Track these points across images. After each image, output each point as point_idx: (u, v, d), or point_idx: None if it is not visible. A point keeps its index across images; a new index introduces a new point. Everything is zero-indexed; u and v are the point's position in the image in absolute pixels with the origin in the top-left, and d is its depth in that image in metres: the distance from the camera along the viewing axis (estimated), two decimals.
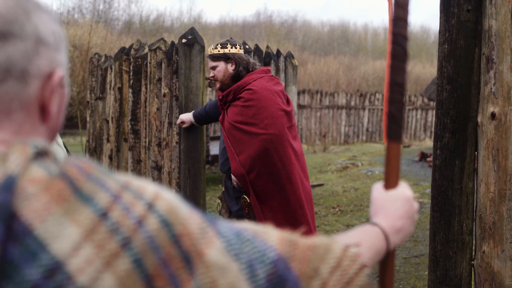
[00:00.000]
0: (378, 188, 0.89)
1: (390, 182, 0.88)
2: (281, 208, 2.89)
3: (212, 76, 3.02)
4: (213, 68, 3.02)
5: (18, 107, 0.65)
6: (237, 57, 3.03)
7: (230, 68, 3.01)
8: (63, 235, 0.56)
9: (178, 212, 0.63)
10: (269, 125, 2.85)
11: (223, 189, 3.23)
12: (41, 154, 0.61)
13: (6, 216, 0.54)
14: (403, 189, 0.88)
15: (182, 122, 3.65)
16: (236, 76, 3.01)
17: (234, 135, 2.92)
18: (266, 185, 2.87)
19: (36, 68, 0.66)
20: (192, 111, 3.63)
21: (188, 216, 0.64)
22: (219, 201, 3.32)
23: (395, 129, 0.86)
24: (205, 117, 3.50)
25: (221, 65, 3.00)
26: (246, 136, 2.88)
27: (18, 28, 0.64)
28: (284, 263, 0.68)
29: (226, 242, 0.65)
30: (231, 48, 3.02)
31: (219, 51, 3.02)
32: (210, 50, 3.05)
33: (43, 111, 0.68)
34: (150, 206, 0.61)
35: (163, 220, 0.61)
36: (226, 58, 3.01)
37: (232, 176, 2.91)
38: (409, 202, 0.88)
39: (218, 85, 3.02)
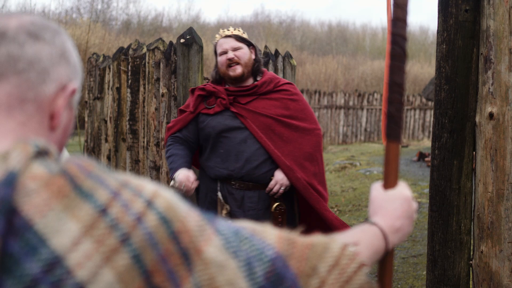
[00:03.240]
0: (377, 188, 0.90)
1: (389, 182, 0.88)
2: (326, 210, 2.54)
3: (231, 58, 2.50)
4: (236, 49, 2.52)
5: (32, 99, 0.69)
6: (257, 48, 2.67)
7: (252, 56, 2.59)
8: (62, 230, 0.57)
9: (177, 209, 0.64)
10: (317, 121, 2.64)
11: (227, 207, 2.53)
12: (42, 153, 0.63)
13: (7, 211, 0.55)
14: (402, 189, 0.89)
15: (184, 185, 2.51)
16: (255, 68, 2.59)
17: (280, 133, 2.51)
18: (319, 185, 2.56)
19: (55, 73, 0.72)
20: (180, 169, 2.50)
21: (186, 213, 0.65)
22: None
23: (394, 129, 0.86)
24: (189, 159, 2.62)
25: (246, 48, 2.56)
26: (296, 133, 2.53)
27: (49, 36, 0.73)
28: (282, 261, 0.69)
29: (224, 239, 0.66)
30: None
31: (242, 34, 2.59)
32: (229, 30, 2.59)
33: (52, 118, 0.72)
34: (149, 203, 0.62)
35: (162, 217, 0.62)
36: (249, 43, 2.60)
37: (278, 183, 2.46)
38: (408, 202, 0.88)
39: (239, 70, 2.50)
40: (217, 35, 2.62)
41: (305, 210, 2.68)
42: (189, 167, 2.58)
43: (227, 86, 2.59)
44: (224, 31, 2.58)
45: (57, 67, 0.72)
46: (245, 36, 2.59)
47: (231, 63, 2.50)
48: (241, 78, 2.53)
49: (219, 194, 2.56)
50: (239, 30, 2.60)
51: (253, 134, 2.48)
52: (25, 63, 0.69)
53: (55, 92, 0.72)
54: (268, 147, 2.46)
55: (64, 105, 0.73)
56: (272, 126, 2.50)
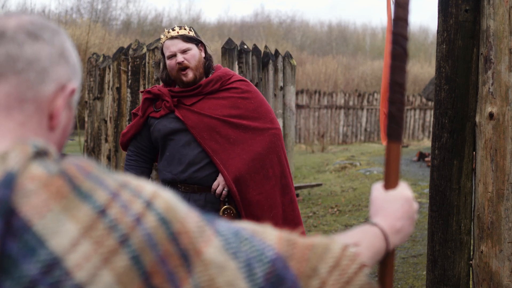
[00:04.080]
0: (378, 188, 0.89)
1: (390, 182, 0.88)
2: (289, 212, 2.46)
3: (181, 63, 2.36)
4: (184, 51, 2.37)
5: (31, 99, 0.69)
6: (206, 45, 2.50)
7: (201, 54, 2.44)
8: (61, 231, 0.56)
9: (176, 210, 0.64)
10: (274, 120, 2.50)
11: None
12: (41, 154, 0.63)
13: (5, 211, 0.55)
14: (403, 189, 0.88)
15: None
16: (206, 67, 2.45)
17: (227, 134, 2.38)
18: (273, 189, 2.42)
19: (55, 73, 0.71)
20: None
21: (186, 214, 0.65)
22: None
23: (395, 129, 0.86)
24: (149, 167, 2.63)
25: (194, 48, 2.40)
26: (246, 133, 2.40)
27: (48, 36, 0.72)
28: (283, 262, 0.68)
29: (224, 240, 0.66)
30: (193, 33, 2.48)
31: (189, 32, 2.42)
32: (175, 30, 2.42)
33: (51, 118, 0.71)
34: (149, 204, 0.62)
35: (161, 218, 0.62)
36: (197, 42, 2.43)
37: (220, 184, 2.36)
38: (409, 203, 0.88)
39: (191, 74, 2.38)
40: (162, 36, 2.47)
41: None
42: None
43: (173, 88, 2.48)
44: (169, 32, 2.43)
45: (57, 67, 0.72)
46: (191, 34, 2.44)
47: (181, 67, 2.38)
48: (193, 82, 2.42)
49: None
50: (185, 29, 2.44)
51: (195, 137, 2.37)
52: (24, 63, 0.68)
53: (54, 92, 0.71)
54: (209, 152, 2.36)
55: (63, 105, 0.73)
56: (217, 127, 2.37)
